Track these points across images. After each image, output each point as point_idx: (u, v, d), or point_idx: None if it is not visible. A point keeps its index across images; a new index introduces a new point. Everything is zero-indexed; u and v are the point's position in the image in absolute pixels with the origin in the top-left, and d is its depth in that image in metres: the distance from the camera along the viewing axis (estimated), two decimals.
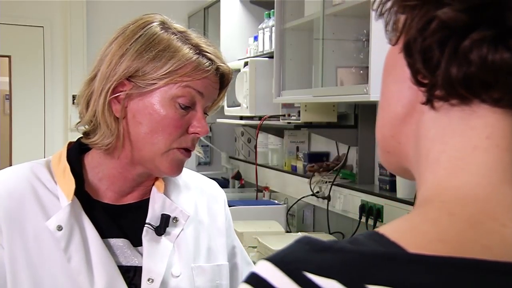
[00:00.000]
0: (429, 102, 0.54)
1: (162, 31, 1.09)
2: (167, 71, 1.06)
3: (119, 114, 1.08)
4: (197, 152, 1.21)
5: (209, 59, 1.10)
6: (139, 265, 1.10)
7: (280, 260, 0.50)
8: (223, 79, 1.14)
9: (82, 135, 1.14)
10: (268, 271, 0.49)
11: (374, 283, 0.46)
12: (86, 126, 1.12)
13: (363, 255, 0.49)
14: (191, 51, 1.08)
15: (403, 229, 0.51)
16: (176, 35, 1.09)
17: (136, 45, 1.07)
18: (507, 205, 0.51)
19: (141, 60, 1.06)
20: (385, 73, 0.60)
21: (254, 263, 1.25)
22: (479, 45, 0.50)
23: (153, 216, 1.14)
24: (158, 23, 1.10)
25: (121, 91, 1.07)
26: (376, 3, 0.58)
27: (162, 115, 1.07)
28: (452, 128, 0.54)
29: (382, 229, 0.52)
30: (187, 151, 1.11)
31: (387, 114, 0.60)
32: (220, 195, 1.30)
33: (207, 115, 1.15)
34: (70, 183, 1.08)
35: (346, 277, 0.47)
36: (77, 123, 1.14)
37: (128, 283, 1.08)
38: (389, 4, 0.57)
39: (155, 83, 1.06)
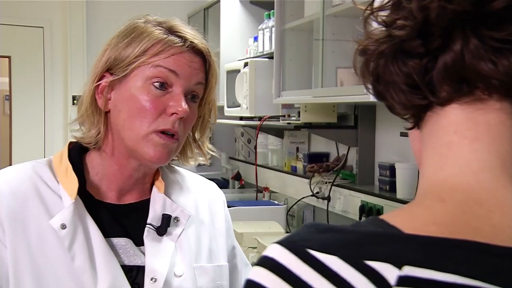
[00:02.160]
0: (414, 125, 0.62)
1: (141, 23, 1.11)
2: (136, 54, 1.07)
3: (103, 107, 1.10)
4: (209, 151, 1.22)
5: (181, 37, 1.09)
6: (141, 264, 1.10)
7: (286, 241, 0.54)
8: (204, 59, 1.13)
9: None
10: (276, 251, 0.53)
11: (371, 259, 0.50)
12: (83, 128, 1.14)
13: (362, 234, 0.53)
14: (161, 32, 1.09)
15: (401, 215, 0.56)
16: (150, 22, 1.11)
17: (117, 39, 1.10)
18: (489, 191, 0.55)
19: (116, 49, 1.09)
20: None
21: (253, 264, 1.25)
22: (378, 61, 0.59)
23: (154, 216, 1.14)
24: (143, 20, 1.13)
25: (103, 83, 1.10)
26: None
27: (137, 98, 1.07)
28: (429, 133, 0.60)
29: (382, 216, 0.56)
30: (170, 136, 1.08)
31: (414, 153, 0.66)
32: (220, 196, 1.30)
33: (194, 101, 1.12)
34: (73, 182, 1.09)
35: (346, 253, 0.51)
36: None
37: (131, 282, 1.08)
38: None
39: (128, 68, 1.08)
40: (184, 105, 1.07)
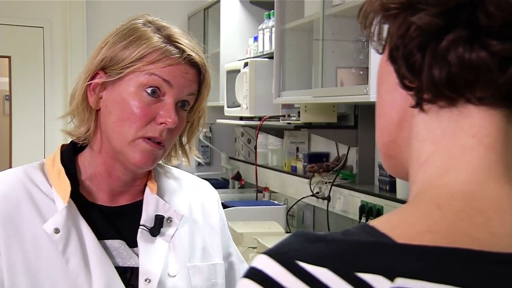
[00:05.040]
0: (418, 105, 0.57)
1: (141, 25, 1.11)
2: (133, 59, 1.07)
3: (94, 105, 1.10)
4: (195, 157, 1.22)
5: (179, 48, 1.09)
6: (135, 266, 1.11)
7: (274, 252, 0.52)
8: (199, 71, 1.12)
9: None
10: (264, 263, 0.51)
11: (363, 271, 0.49)
12: (73, 123, 1.15)
13: (353, 244, 0.51)
14: (160, 40, 1.08)
15: (393, 221, 0.53)
16: (150, 27, 1.11)
17: (115, 38, 1.10)
18: (492, 200, 0.53)
19: (113, 50, 1.09)
20: (378, 82, 0.63)
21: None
22: (455, 46, 0.52)
23: (147, 217, 1.14)
24: (143, 20, 1.12)
25: (96, 82, 1.10)
26: (360, 16, 0.60)
27: (128, 103, 1.07)
28: (442, 129, 0.56)
29: (373, 222, 0.54)
30: (157, 143, 1.08)
31: (384, 121, 0.62)
32: (213, 194, 1.30)
33: (185, 108, 1.12)
34: (65, 185, 1.09)
35: (337, 265, 0.49)
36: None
37: (125, 283, 1.08)
38: (372, 15, 0.59)
39: (123, 72, 1.08)
40: (174, 116, 1.07)
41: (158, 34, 1.09)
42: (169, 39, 1.09)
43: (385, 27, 0.58)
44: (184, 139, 1.21)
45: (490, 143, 0.55)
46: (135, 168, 1.11)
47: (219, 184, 3.85)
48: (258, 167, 3.22)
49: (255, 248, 2.46)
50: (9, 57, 4.45)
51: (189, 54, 1.09)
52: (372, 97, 1.93)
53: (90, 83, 1.10)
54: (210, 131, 4.26)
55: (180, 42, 1.09)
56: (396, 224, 0.53)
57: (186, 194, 1.23)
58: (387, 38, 0.58)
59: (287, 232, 2.81)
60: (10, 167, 4.06)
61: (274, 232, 2.61)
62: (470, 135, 0.55)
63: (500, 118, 0.55)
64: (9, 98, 4.60)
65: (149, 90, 1.07)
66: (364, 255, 0.50)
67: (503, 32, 0.51)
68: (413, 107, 0.57)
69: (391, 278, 0.48)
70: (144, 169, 1.13)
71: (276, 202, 3.13)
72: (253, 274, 0.51)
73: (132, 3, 4.12)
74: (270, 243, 2.32)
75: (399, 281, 0.48)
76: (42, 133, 4.39)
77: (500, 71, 0.52)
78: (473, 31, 0.52)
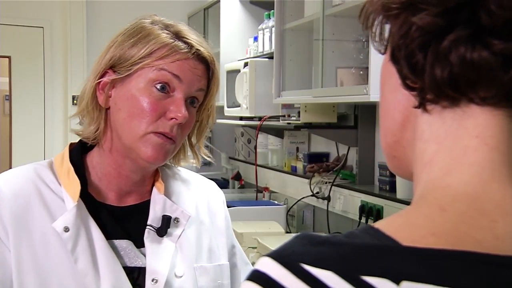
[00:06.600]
0: (421, 105, 0.56)
1: (148, 24, 1.11)
2: (142, 55, 1.08)
3: (103, 104, 1.11)
4: (205, 156, 1.22)
5: (187, 43, 1.10)
6: (142, 266, 1.11)
7: (278, 254, 0.52)
8: (208, 67, 1.13)
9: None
10: (268, 266, 0.51)
11: (369, 274, 0.48)
12: (82, 122, 1.15)
13: (358, 247, 0.50)
14: (168, 36, 1.09)
15: (398, 224, 0.53)
16: (157, 25, 1.11)
17: (123, 37, 1.11)
18: (496, 202, 0.53)
19: (121, 47, 1.10)
20: (381, 83, 0.63)
21: (253, 263, 1.25)
22: (456, 46, 0.52)
23: (154, 217, 1.14)
24: (150, 20, 1.13)
25: (105, 80, 1.10)
26: (361, 16, 0.60)
27: (138, 99, 1.08)
28: (445, 129, 0.56)
29: (378, 223, 0.53)
30: (168, 138, 1.08)
31: (387, 122, 0.62)
32: (219, 195, 1.30)
33: (194, 105, 1.12)
34: (75, 184, 1.09)
35: (342, 268, 0.49)
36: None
37: (132, 284, 1.09)
38: (373, 16, 0.59)
39: (132, 68, 1.08)
40: (184, 111, 1.07)
41: (166, 30, 1.10)
42: (177, 35, 1.10)
43: (387, 27, 0.58)
44: (194, 139, 1.21)
45: (494, 144, 0.54)
46: (146, 164, 1.11)
47: (219, 184, 3.82)
48: (258, 167, 3.21)
49: (255, 248, 2.46)
50: (9, 57, 4.46)
51: (197, 49, 1.10)
52: (372, 97, 1.93)
53: (99, 82, 1.11)
54: (210, 131, 4.25)
55: (188, 38, 1.10)
56: (400, 227, 0.52)
57: (193, 195, 1.23)
58: (389, 38, 0.58)
59: (287, 232, 2.81)
60: (10, 167, 4.07)
61: (274, 232, 2.61)
62: (473, 135, 0.54)
63: (503, 118, 0.54)
64: (9, 98, 4.61)
65: (158, 86, 1.07)
66: (369, 258, 0.49)
67: (505, 31, 0.51)
68: (416, 107, 0.57)
69: (396, 281, 0.48)
70: (155, 165, 1.13)
71: (276, 202, 3.13)
72: (257, 277, 0.51)
73: (132, 3, 4.13)
74: (270, 243, 2.33)
75: (405, 284, 0.48)
76: (42, 133, 4.39)
77: (503, 70, 0.51)
78: (475, 30, 0.51)
